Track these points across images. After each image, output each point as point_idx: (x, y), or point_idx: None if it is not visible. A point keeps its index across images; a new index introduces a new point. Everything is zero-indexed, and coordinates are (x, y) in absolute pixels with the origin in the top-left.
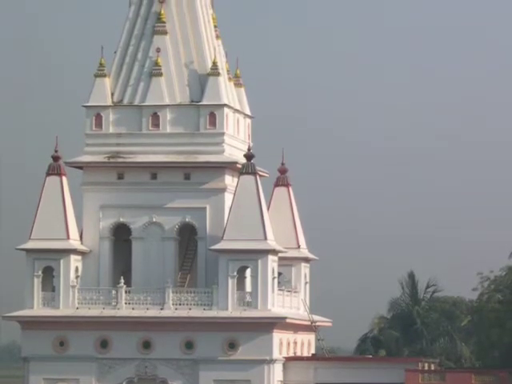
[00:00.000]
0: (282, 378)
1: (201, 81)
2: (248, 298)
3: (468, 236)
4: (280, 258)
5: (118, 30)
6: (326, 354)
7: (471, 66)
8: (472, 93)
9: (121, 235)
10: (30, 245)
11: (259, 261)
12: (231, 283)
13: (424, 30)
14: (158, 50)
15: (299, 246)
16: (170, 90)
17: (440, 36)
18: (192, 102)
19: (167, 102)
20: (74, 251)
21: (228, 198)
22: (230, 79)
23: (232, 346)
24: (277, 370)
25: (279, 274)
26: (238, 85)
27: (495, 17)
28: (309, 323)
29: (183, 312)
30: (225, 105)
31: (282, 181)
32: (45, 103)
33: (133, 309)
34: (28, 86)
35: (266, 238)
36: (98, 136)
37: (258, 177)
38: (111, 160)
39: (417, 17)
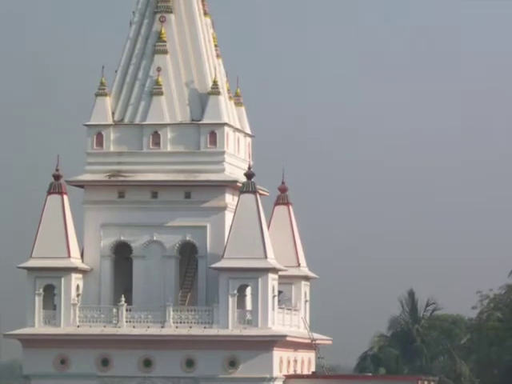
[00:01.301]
0: None
1: (201, 100)
2: (248, 316)
3: (467, 254)
4: (280, 277)
5: (119, 49)
6: (326, 371)
7: (472, 86)
8: (473, 112)
9: (122, 253)
10: (31, 263)
11: (259, 279)
12: (231, 301)
13: (426, 39)
14: (159, 69)
15: (299, 265)
16: (170, 108)
17: (442, 51)
18: (192, 120)
19: (168, 120)
20: (75, 269)
21: (228, 216)
22: (230, 98)
23: (232, 364)
24: None
25: (279, 292)
26: (238, 104)
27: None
28: (309, 341)
29: (184, 330)
30: (225, 124)
31: (282, 199)
32: (45, 122)
33: (134, 327)
34: (29, 105)
35: (266, 257)
36: (99, 155)
37: (258, 195)
38: (112, 179)
39: (421, 22)
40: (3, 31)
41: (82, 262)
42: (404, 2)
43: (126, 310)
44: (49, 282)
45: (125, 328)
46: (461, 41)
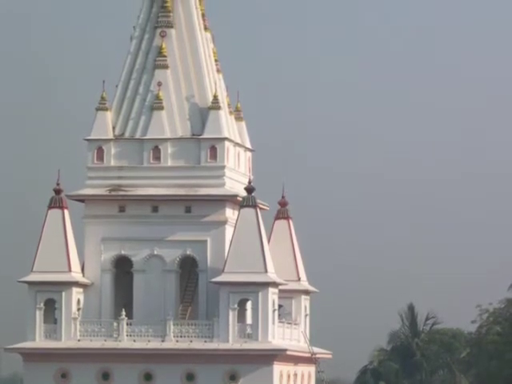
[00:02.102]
0: None
1: (202, 114)
2: (249, 330)
3: (467, 268)
4: (280, 291)
5: (120, 64)
6: None
7: (471, 100)
8: (472, 125)
9: (122, 268)
10: (32, 277)
11: (260, 293)
12: (232, 315)
13: (426, 58)
14: (159, 84)
15: (299, 279)
16: (171, 123)
17: (442, 68)
18: (193, 135)
19: (168, 135)
20: (76, 284)
21: (229, 230)
22: (230, 113)
23: (233, 377)
24: None
25: (279, 306)
26: (238, 118)
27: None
28: (309, 355)
29: (184, 344)
30: (225, 138)
31: (282, 214)
32: (46, 136)
33: (134, 341)
34: (29, 120)
35: (266, 271)
36: (100, 169)
37: (258, 210)
38: (112, 193)
39: (422, 22)
40: (6, 50)
41: (83, 276)
42: (405, 6)
43: (127, 324)
44: (50, 296)
45: (125, 342)
46: (461, 50)
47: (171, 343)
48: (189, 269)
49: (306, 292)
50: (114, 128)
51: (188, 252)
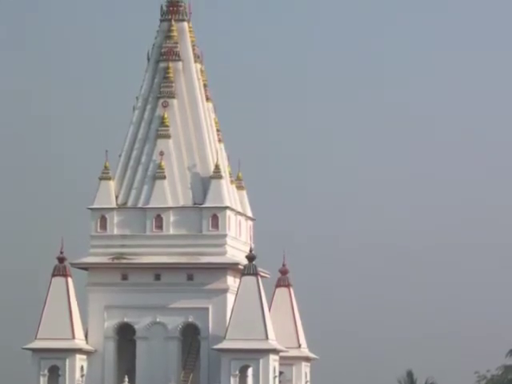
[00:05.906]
0: None
1: (203, 183)
2: None
3: (465, 335)
4: (281, 357)
5: (122, 134)
6: None
7: (472, 168)
8: (472, 195)
9: (125, 335)
10: (36, 344)
11: (261, 360)
12: (233, 382)
13: (426, 131)
14: (162, 154)
15: (300, 346)
16: (173, 192)
17: (441, 137)
18: (195, 204)
19: (170, 204)
20: (80, 351)
21: (230, 298)
22: (232, 182)
23: None
24: None
25: (280, 372)
26: (239, 187)
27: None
28: None
29: None
30: (227, 207)
31: (283, 281)
32: (50, 205)
33: None
34: (32, 189)
35: (267, 338)
36: (103, 237)
37: (259, 278)
38: (116, 261)
39: (419, 108)
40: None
41: (87, 343)
42: (404, 85)
43: None
44: (53, 363)
45: None
46: (462, 132)
47: None
48: (191, 336)
49: (307, 359)
50: (116, 197)
51: (190, 319)
